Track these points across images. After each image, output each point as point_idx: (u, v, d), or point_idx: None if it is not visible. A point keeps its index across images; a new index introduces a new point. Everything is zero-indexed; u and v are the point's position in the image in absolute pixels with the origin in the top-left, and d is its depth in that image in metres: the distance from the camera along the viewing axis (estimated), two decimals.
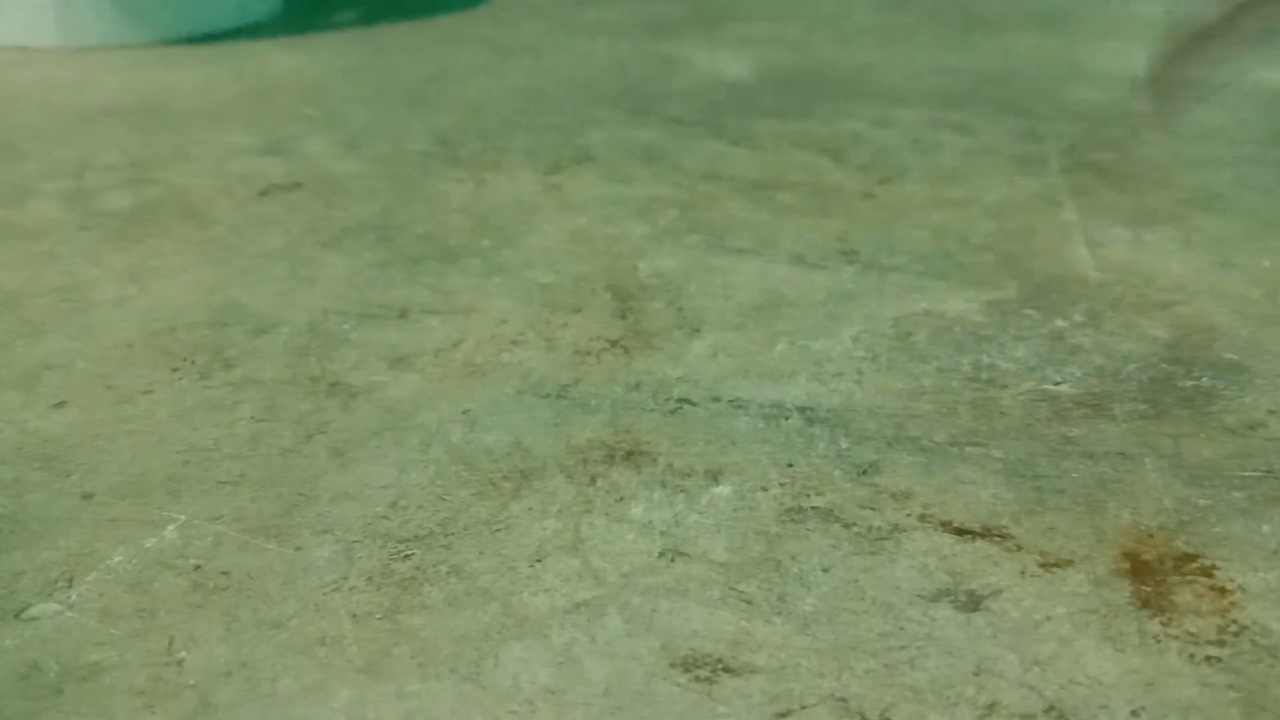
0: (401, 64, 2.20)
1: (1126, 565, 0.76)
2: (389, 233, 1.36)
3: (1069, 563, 0.77)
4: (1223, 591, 0.74)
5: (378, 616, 0.73)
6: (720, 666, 0.68)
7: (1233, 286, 1.18)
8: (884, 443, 0.91)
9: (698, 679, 0.67)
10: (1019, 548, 0.78)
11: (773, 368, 1.03)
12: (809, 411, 0.96)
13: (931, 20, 2.57)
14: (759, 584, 0.75)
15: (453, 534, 0.80)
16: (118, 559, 0.78)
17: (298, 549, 0.79)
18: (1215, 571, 0.76)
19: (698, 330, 1.11)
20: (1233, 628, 0.71)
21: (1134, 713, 0.64)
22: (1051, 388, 0.99)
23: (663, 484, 0.86)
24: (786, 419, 0.95)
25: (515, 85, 2.03)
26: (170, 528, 0.82)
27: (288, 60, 2.24)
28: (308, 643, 0.70)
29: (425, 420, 0.95)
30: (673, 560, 0.77)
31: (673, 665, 0.68)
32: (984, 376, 1.01)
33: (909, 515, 0.82)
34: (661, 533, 0.80)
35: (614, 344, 1.08)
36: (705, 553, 0.78)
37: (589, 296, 1.18)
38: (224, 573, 0.77)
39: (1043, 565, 0.77)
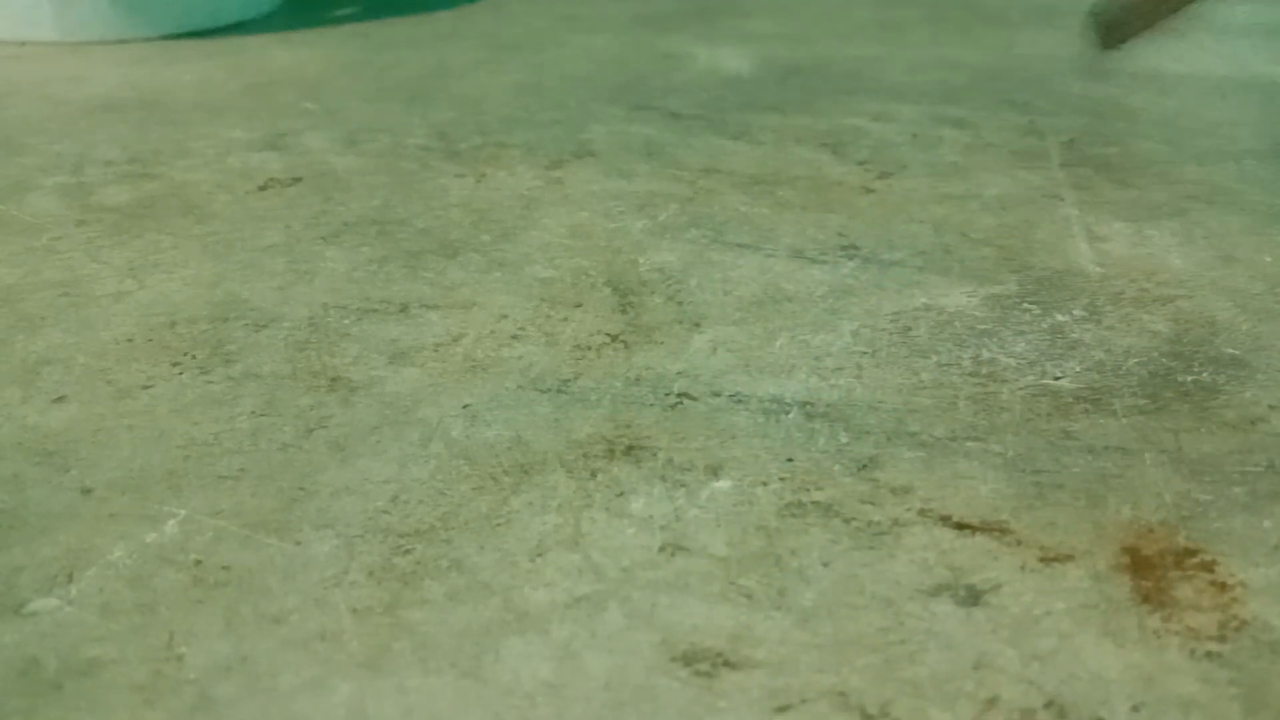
0: (401, 59, 2.20)
1: (1127, 560, 0.76)
2: (389, 228, 1.35)
3: (1069, 557, 0.77)
4: (1223, 587, 0.74)
5: (378, 611, 0.73)
6: (720, 660, 0.68)
7: (1234, 281, 1.18)
8: (884, 437, 0.91)
9: (698, 673, 0.67)
10: (1019, 542, 0.78)
11: (772, 362, 1.03)
12: (809, 406, 0.96)
13: (932, 15, 2.56)
14: (759, 578, 0.75)
15: (453, 529, 0.80)
16: (118, 554, 0.78)
17: (298, 544, 0.79)
18: (1216, 567, 0.76)
19: (698, 325, 1.11)
20: (1234, 623, 0.71)
21: (1134, 708, 0.64)
22: (1051, 382, 0.99)
23: (663, 479, 0.86)
24: (786, 414, 0.94)
25: (515, 80, 2.03)
26: (170, 523, 0.82)
27: (287, 55, 2.24)
28: (308, 638, 0.70)
29: (426, 415, 0.95)
30: (673, 555, 0.77)
31: (673, 659, 0.68)
32: (984, 371, 1.01)
33: (909, 510, 0.82)
34: (661, 527, 0.80)
35: (614, 339, 1.08)
36: (705, 547, 0.78)
37: (589, 291, 1.18)
38: (224, 568, 0.77)
39: (1043, 560, 0.76)
